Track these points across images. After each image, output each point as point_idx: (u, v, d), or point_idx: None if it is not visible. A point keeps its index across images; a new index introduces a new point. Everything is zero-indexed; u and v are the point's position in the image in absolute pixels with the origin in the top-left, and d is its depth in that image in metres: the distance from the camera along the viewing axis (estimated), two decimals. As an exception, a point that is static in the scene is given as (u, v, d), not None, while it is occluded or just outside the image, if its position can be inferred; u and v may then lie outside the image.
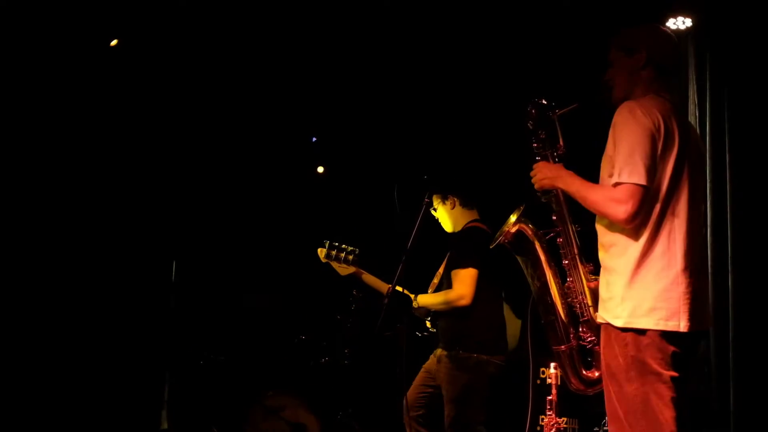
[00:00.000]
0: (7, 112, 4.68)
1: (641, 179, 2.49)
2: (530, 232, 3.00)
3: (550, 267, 2.96)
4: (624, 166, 2.51)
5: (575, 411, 4.00)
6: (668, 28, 3.90)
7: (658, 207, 2.56)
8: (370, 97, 5.36)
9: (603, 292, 2.65)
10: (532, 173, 2.88)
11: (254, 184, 5.69)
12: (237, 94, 5.45)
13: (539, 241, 2.99)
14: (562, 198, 2.85)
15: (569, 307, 2.89)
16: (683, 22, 4.14)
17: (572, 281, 2.88)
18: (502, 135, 4.44)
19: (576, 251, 2.87)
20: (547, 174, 2.83)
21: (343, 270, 4.20)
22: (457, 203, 4.17)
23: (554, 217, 2.89)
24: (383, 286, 4.13)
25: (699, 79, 4.16)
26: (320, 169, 5.94)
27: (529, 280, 3.02)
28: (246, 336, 5.45)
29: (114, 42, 4.86)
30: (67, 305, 4.91)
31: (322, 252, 4.19)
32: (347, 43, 5.01)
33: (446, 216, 4.19)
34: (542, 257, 2.98)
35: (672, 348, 2.50)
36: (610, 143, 2.63)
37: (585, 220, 2.86)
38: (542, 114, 2.96)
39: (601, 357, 2.65)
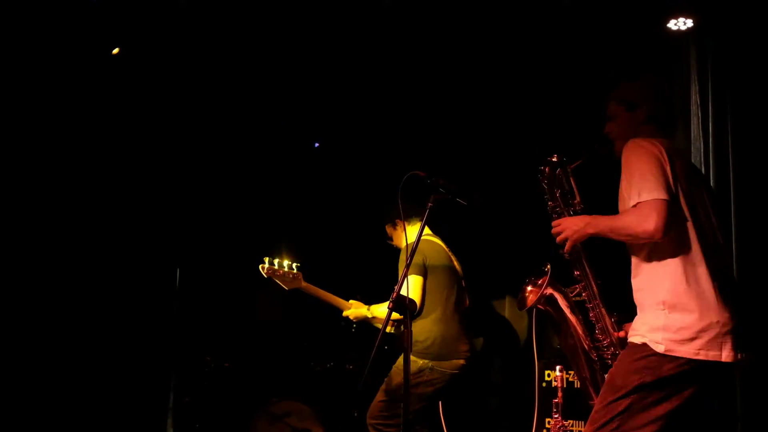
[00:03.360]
0: (13, 121, 4.69)
1: (660, 194, 2.53)
2: (560, 295, 2.97)
3: (579, 324, 2.93)
4: (641, 187, 2.55)
5: (581, 414, 4.00)
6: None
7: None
8: (369, 102, 5.36)
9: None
10: (555, 230, 2.85)
11: (258, 190, 5.69)
12: (240, 105, 5.46)
13: (567, 301, 2.96)
14: (583, 254, 2.87)
15: (601, 360, 2.88)
16: (684, 23, 4.14)
17: (600, 333, 2.88)
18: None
19: (601, 304, 2.88)
20: (576, 225, 2.79)
21: (288, 284, 4.17)
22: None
23: (577, 273, 2.90)
24: (331, 298, 4.19)
25: (701, 81, 4.15)
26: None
27: (560, 340, 3.01)
28: (251, 342, 5.45)
29: (116, 50, 4.87)
30: (72, 312, 4.92)
31: (263, 268, 4.15)
32: (349, 54, 5.01)
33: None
34: (571, 317, 2.95)
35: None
36: (623, 181, 2.66)
37: (607, 273, 2.89)
38: (556, 171, 2.94)
39: None
